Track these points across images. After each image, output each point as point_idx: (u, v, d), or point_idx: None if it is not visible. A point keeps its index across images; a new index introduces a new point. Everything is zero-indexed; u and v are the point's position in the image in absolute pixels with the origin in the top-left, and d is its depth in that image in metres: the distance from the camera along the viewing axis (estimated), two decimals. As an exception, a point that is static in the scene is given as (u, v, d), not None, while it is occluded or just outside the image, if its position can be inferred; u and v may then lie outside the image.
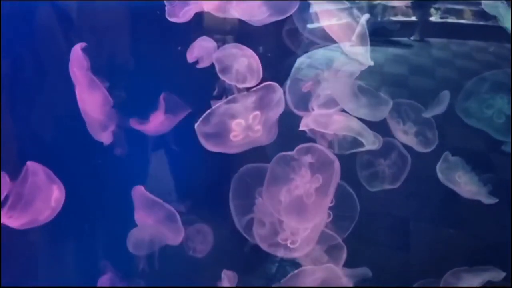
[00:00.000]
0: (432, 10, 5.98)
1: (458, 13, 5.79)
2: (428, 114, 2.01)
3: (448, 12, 5.79)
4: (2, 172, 1.55)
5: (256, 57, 1.71)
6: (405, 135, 1.95)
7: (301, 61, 1.98)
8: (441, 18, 5.79)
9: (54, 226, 1.75)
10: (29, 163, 1.61)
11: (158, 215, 1.83)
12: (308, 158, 1.55)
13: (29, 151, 2.01)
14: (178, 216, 1.84)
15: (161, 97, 1.84)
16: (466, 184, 1.94)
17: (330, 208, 1.61)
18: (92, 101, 1.61)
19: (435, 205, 2.68)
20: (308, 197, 1.54)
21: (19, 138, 2.01)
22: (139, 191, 1.85)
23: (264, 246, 1.61)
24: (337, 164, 1.55)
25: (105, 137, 1.71)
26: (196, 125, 1.54)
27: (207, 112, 1.55)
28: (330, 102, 1.70)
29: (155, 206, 1.83)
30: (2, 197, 1.55)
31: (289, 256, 1.60)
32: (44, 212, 1.66)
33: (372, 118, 1.76)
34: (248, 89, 1.59)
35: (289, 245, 1.58)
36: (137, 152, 2.09)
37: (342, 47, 1.80)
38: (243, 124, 1.55)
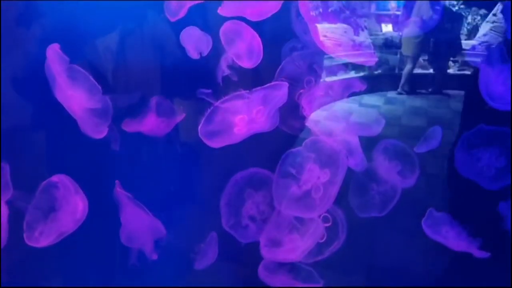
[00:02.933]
0: (450, 63, 6.02)
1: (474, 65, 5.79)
2: (420, 149, 2.00)
3: (466, 64, 5.80)
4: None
5: (259, 39, 1.73)
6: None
7: (318, 113, 1.99)
8: (458, 70, 5.80)
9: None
10: (55, 177, 1.55)
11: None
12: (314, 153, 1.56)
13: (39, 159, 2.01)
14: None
15: (153, 100, 1.84)
16: (454, 239, 1.87)
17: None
18: (78, 95, 1.58)
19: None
20: (316, 191, 1.53)
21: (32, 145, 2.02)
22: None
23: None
24: (343, 155, 1.54)
25: (99, 132, 1.66)
26: (199, 127, 1.54)
27: (208, 111, 1.54)
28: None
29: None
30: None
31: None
32: (69, 225, 1.59)
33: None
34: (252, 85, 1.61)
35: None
36: (135, 151, 2.07)
37: (359, 99, 1.84)
38: (246, 119, 1.56)
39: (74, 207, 1.59)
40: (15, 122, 1.96)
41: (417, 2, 5.67)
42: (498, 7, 5.92)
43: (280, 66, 1.72)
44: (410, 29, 5.69)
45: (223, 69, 1.76)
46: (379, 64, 5.90)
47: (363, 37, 6.44)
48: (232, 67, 1.77)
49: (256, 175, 1.69)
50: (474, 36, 7.11)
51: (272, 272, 1.74)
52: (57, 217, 1.54)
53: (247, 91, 1.57)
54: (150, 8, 1.92)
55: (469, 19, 7.30)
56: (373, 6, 6.45)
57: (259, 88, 1.58)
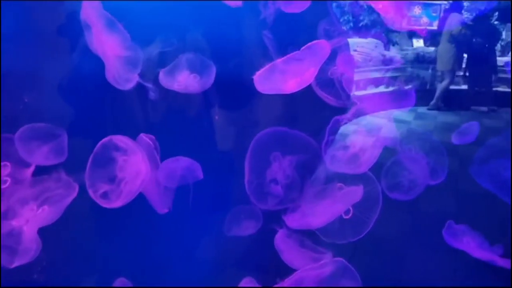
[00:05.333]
0: (484, 79, 5.89)
1: (509, 82, 5.69)
2: (455, 141, 2.03)
3: (499, 81, 5.70)
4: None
5: None
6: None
7: (347, 127, 2.01)
8: (492, 87, 5.69)
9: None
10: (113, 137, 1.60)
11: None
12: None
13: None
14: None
15: (183, 57, 1.84)
16: (475, 249, 1.86)
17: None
18: (110, 41, 1.63)
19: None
20: (363, 152, 1.60)
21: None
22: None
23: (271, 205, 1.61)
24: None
25: (129, 81, 1.70)
26: (255, 76, 1.60)
27: (267, 66, 1.61)
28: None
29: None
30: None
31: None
32: (136, 184, 1.63)
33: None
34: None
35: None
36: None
37: (389, 114, 1.87)
38: (299, 79, 1.62)
39: (137, 166, 1.64)
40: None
41: (449, 17, 5.62)
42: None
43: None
44: (444, 44, 5.65)
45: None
46: (409, 79, 5.86)
47: (394, 52, 6.41)
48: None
49: (285, 136, 1.71)
50: (508, 52, 7.00)
51: (288, 244, 1.74)
52: (122, 176, 1.59)
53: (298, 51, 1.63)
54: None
55: (503, 35, 7.17)
56: (405, 21, 6.43)
57: (305, 47, 1.62)
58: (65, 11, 2.05)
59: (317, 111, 1.87)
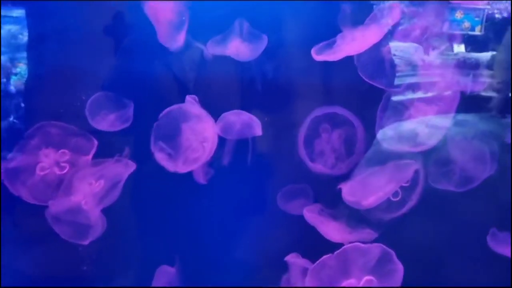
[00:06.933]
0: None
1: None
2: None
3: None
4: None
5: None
6: None
7: (384, 132, 2.00)
8: (539, 95, 5.51)
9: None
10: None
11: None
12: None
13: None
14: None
15: (237, 23, 1.88)
16: None
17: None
18: (162, 6, 1.72)
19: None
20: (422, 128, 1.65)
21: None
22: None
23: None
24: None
25: (177, 42, 1.81)
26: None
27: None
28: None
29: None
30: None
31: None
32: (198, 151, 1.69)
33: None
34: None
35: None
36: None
37: (426, 121, 1.88)
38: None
39: (204, 133, 1.72)
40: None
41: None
42: None
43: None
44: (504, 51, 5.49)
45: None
46: (449, 85, 5.71)
47: (434, 56, 6.27)
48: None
49: (336, 113, 1.78)
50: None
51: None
52: (186, 144, 1.67)
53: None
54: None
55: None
56: (445, 25, 6.28)
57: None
58: (113, 11, 2.13)
59: (365, 91, 1.89)
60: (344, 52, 1.75)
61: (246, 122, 2.01)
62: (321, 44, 1.74)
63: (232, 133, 2.00)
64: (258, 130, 2.01)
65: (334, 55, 1.77)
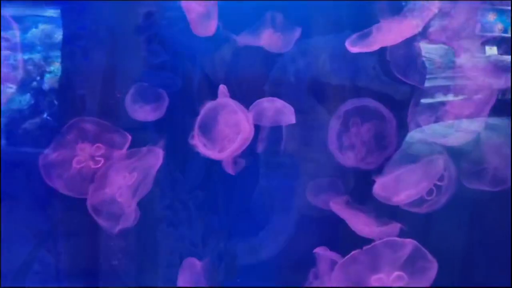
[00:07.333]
0: None
1: None
2: None
3: None
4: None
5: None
6: None
7: (413, 135, 1.98)
8: None
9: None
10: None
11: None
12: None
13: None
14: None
15: (268, 15, 1.90)
16: None
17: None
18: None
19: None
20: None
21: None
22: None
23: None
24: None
25: (210, 28, 1.85)
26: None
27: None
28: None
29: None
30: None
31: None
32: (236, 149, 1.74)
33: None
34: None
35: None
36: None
37: (457, 123, 1.87)
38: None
39: (239, 125, 1.76)
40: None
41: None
42: None
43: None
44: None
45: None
46: (480, 88, 5.60)
47: (465, 59, 6.16)
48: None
49: (367, 106, 1.81)
50: None
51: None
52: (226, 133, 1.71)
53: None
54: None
55: None
56: (477, 27, 6.18)
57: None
58: (144, 8, 2.17)
59: (396, 85, 1.89)
60: (380, 44, 1.74)
61: (279, 109, 2.01)
62: (355, 35, 1.73)
63: (265, 120, 2.00)
64: (291, 118, 2.01)
65: (369, 46, 1.77)
